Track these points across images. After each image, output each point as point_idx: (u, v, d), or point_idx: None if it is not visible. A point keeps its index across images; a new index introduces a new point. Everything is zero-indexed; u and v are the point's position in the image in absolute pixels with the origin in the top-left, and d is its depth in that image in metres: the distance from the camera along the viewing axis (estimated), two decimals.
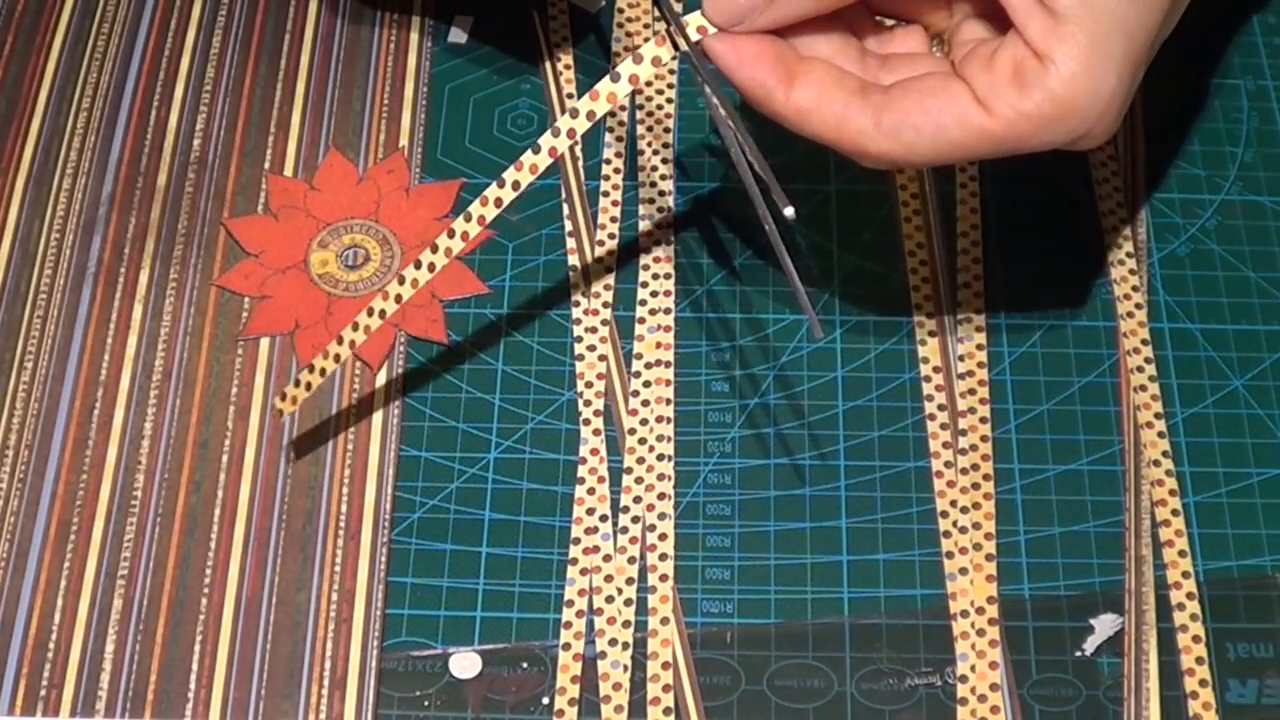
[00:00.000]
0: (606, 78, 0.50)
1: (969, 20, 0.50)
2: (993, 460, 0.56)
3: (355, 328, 0.53)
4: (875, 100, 0.47)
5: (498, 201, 0.51)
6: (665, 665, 0.52)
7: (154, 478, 0.56)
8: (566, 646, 0.52)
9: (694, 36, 0.49)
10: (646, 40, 0.52)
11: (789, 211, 0.46)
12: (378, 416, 0.57)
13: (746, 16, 0.47)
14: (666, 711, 0.51)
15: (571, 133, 0.50)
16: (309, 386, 0.54)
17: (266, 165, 0.63)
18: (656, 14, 0.49)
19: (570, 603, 0.53)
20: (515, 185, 0.51)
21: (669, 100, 0.65)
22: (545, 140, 0.51)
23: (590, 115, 0.50)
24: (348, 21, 0.68)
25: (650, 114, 0.65)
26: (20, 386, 0.58)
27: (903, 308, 0.60)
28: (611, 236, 0.62)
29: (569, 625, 0.53)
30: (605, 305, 0.60)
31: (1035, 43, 0.45)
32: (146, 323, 0.59)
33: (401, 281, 0.53)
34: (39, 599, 0.53)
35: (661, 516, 0.55)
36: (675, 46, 0.49)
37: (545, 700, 0.51)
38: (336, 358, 0.54)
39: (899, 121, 0.46)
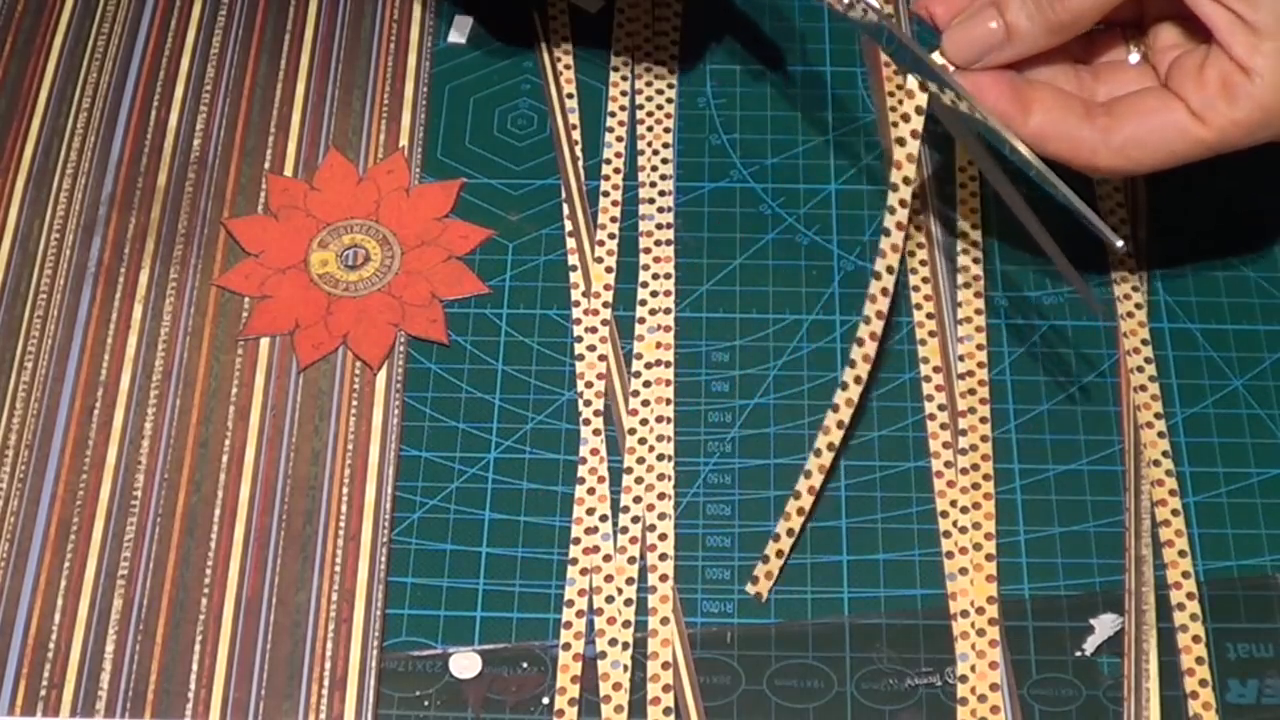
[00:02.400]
0: (897, 149, 0.52)
1: (1163, 25, 0.53)
2: (993, 460, 0.56)
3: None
4: (1101, 122, 0.51)
5: (864, 358, 0.54)
6: (665, 665, 0.52)
7: (154, 478, 0.56)
8: (566, 646, 0.52)
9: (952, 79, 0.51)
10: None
11: (1120, 244, 0.50)
12: (378, 416, 0.57)
13: (986, 54, 0.50)
14: (666, 711, 0.51)
15: (895, 248, 0.53)
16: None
17: (266, 165, 0.63)
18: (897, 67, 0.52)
19: (570, 603, 0.53)
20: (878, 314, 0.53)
21: (669, 100, 0.65)
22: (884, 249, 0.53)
23: (898, 196, 0.52)
24: (348, 21, 0.68)
25: (650, 114, 0.65)
26: (20, 386, 0.58)
27: (903, 308, 0.60)
28: (611, 236, 0.62)
29: (569, 625, 0.53)
30: (605, 305, 0.60)
31: (1241, 58, 0.49)
32: (146, 323, 0.59)
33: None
34: (39, 599, 0.53)
35: (661, 516, 0.55)
36: (928, 88, 0.51)
37: (545, 700, 0.52)
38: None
39: (1127, 140, 0.50)
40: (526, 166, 0.64)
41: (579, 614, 0.53)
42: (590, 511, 0.55)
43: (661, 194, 0.63)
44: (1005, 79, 0.51)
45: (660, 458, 0.56)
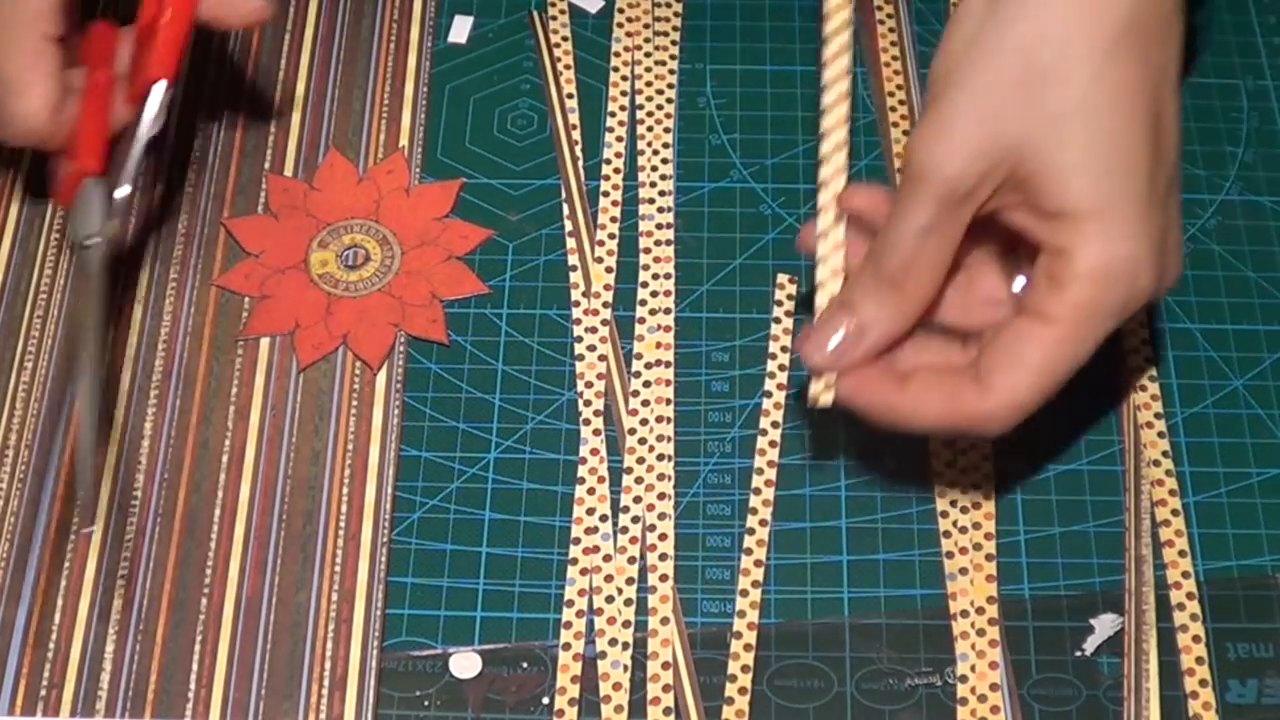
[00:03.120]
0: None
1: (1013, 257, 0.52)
2: (992, 460, 0.56)
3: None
4: (971, 374, 0.50)
5: None
6: (665, 665, 0.52)
7: (154, 478, 0.56)
8: (566, 646, 0.52)
9: (827, 400, 0.51)
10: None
11: None
12: (378, 416, 0.57)
13: (843, 357, 0.51)
14: (666, 711, 0.51)
15: None
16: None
17: (266, 165, 0.63)
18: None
19: (570, 603, 0.53)
20: None
21: (669, 100, 0.65)
22: None
23: None
24: (348, 21, 0.68)
25: (650, 114, 0.65)
26: (20, 386, 0.58)
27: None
28: (611, 236, 0.62)
29: (569, 625, 0.53)
30: (605, 305, 0.60)
31: (1052, 245, 0.48)
32: (146, 323, 0.59)
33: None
34: (39, 599, 0.53)
35: (661, 516, 0.55)
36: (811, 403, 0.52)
37: (545, 700, 0.52)
38: None
39: (997, 380, 0.49)
40: (526, 166, 0.64)
41: (579, 614, 0.53)
42: (590, 511, 0.55)
43: (661, 194, 0.63)
44: (873, 368, 0.51)
45: (660, 458, 0.56)
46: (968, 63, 0.49)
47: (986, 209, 0.50)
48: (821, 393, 0.51)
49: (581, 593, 0.54)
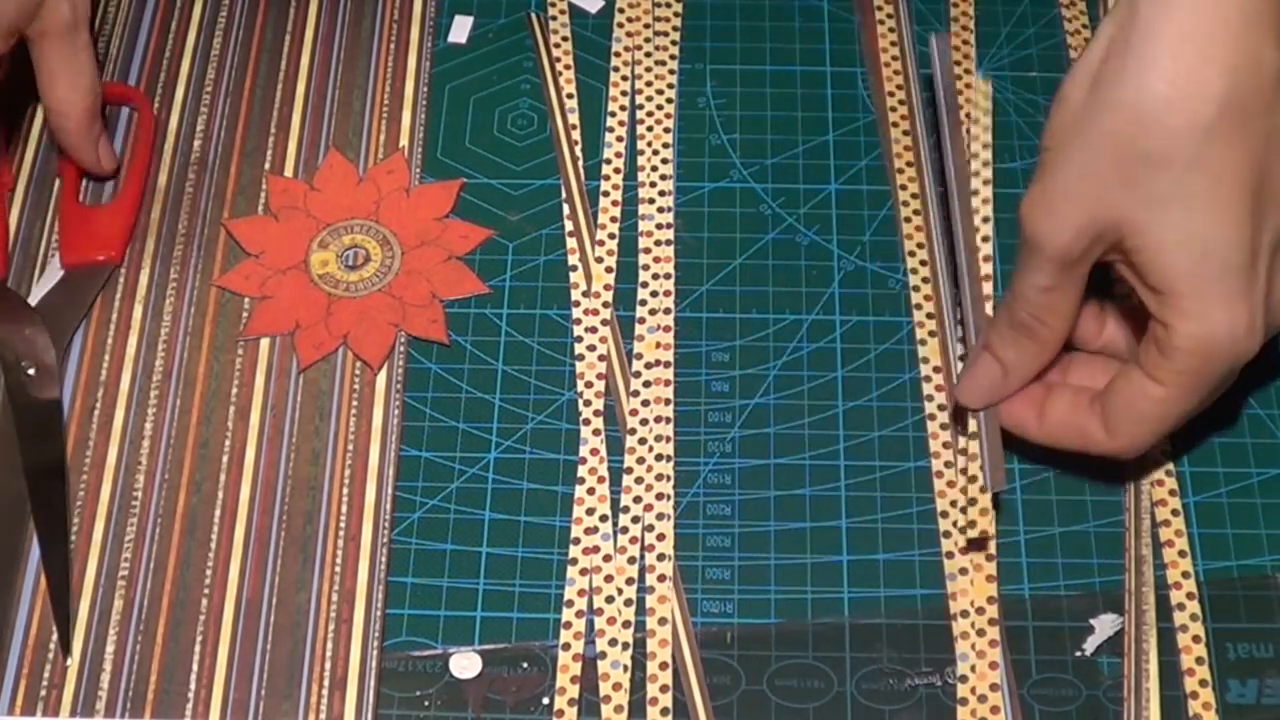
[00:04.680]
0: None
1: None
2: (980, 459, 0.56)
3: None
4: (1097, 409, 0.54)
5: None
6: (664, 665, 0.52)
7: (154, 478, 0.56)
8: (566, 646, 0.52)
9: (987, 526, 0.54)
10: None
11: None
12: (378, 416, 0.57)
13: (994, 394, 0.55)
14: (665, 711, 0.51)
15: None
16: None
17: (266, 166, 0.63)
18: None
19: (570, 603, 0.53)
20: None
21: (669, 100, 0.65)
22: None
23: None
24: (348, 22, 0.68)
25: (650, 114, 0.65)
26: None
27: (903, 308, 0.60)
28: (612, 236, 0.62)
29: (569, 625, 0.53)
30: (605, 305, 0.60)
31: (1158, 315, 0.51)
32: (146, 323, 0.59)
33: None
34: (39, 599, 0.53)
35: (661, 517, 0.55)
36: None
37: (545, 700, 0.51)
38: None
39: (1119, 427, 0.53)
40: (526, 166, 0.64)
41: (579, 614, 0.53)
42: (590, 511, 0.55)
43: (661, 194, 0.63)
44: (1021, 394, 0.55)
45: (660, 458, 0.56)
46: (1072, 139, 0.51)
47: (1103, 260, 0.52)
48: (980, 519, 0.53)
49: (581, 593, 0.54)
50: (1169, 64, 0.49)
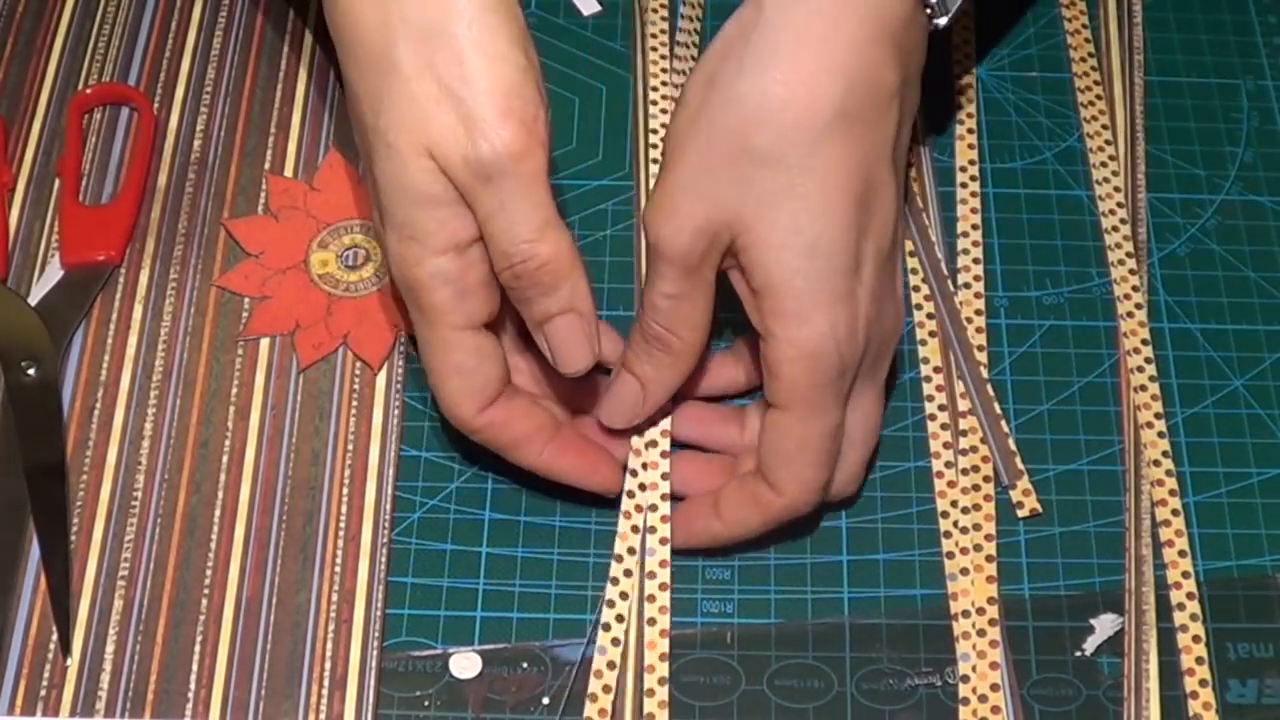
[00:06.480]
0: None
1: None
2: (993, 460, 0.56)
3: None
4: (759, 475, 0.53)
5: None
6: (662, 656, 0.52)
7: (154, 478, 0.56)
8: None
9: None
10: None
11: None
12: (378, 416, 0.57)
13: (636, 416, 0.54)
14: (661, 705, 0.51)
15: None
16: None
17: (266, 166, 0.63)
18: None
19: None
20: None
21: (667, 99, 0.65)
22: None
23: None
24: None
25: (650, 114, 0.65)
26: None
27: (903, 308, 0.59)
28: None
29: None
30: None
31: (761, 327, 0.51)
32: (146, 323, 0.59)
33: None
34: (39, 599, 0.53)
35: (662, 518, 0.55)
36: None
37: (545, 700, 0.51)
38: None
39: (777, 477, 0.52)
40: None
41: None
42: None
43: None
44: (691, 509, 0.54)
45: (660, 457, 0.56)
46: (690, 139, 0.51)
47: (722, 269, 0.52)
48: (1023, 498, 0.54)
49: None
50: (787, 65, 0.49)
